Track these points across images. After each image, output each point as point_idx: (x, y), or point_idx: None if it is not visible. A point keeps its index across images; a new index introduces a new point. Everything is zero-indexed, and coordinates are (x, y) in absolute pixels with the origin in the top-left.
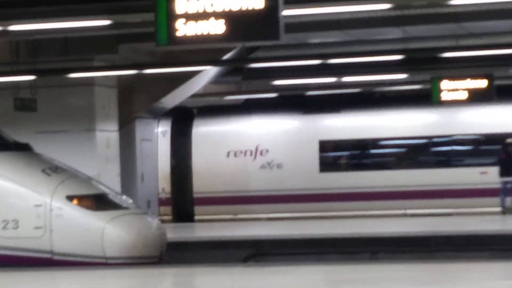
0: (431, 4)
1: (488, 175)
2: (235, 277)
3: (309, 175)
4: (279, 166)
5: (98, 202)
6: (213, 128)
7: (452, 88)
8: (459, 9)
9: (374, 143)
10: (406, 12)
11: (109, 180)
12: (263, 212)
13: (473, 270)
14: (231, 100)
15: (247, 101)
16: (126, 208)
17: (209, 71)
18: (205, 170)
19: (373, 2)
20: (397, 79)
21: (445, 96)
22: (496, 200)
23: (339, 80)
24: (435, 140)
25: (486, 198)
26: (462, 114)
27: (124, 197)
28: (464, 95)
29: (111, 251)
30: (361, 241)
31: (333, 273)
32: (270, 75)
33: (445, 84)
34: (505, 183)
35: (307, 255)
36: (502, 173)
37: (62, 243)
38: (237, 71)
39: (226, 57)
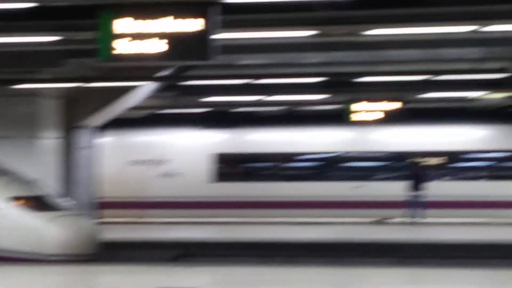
0: (351, 33)
1: (362, 189)
2: (163, 276)
3: (204, 184)
4: (178, 175)
5: (40, 203)
6: (120, 139)
7: (367, 109)
8: (376, 39)
9: (261, 157)
10: (329, 39)
11: (50, 183)
12: (164, 217)
13: (380, 274)
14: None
15: (152, 115)
16: (65, 209)
17: (147, 86)
18: (112, 177)
19: (299, 29)
20: (319, 100)
21: (360, 116)
22: (366, 211)
23: (266, 99)
24: (310, 156)
25: (358, 209)
26: (341, 133)
27: (63, 199)
28: (377, 116)
29: (50, 249)
30: (278, 245)
31: (252, 274)
32: (201, 92)
33: (360, 105)
34: (415, 196)
35: (230, 257)
36: (413, 188)
37: (4, 241)
38: (172, 87)
39: (163, 74)
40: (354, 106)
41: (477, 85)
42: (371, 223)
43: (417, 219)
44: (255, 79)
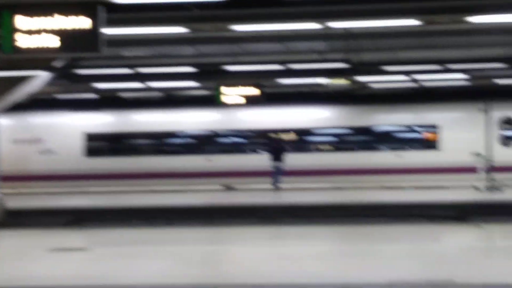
0: (218, 29)
1: (212, 162)
2: (58, 238)
3: (77, 159)
4: (54, 152)
5: None
6: (2, 121)
7: (232, 94)
8: (238, 34)
9: (124, 135)
10: (200, 34)
11: None
12: (42, 188)
13: (245, 232)
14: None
15: (32, 100)
16: None
17: (44, 75)
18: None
19: (175, 25)
20: (192, 86)
21: (226, 100)
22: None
23: (147, 85)
24: (170, 134)
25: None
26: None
27: None
28: (241, 100)
29: None
30: (158, 210)
31: (134, 234)
32: (92, 79)
33: (226, 90)
34: (276, 166)
35: (116, 221)
36: (273, 159)
37: None
38: (66, 75)
39: (58, 63)
40: (220, 91)
41: (323, 72)
42: (223, 189)
43: (277, 186)
44: (137, 68)
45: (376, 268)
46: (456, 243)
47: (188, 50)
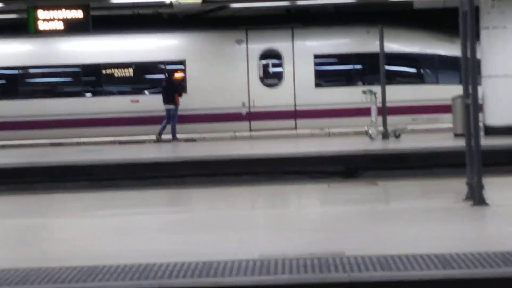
0: None
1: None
2: None
3: None
4: None
5: None
6: None
7: (49, 18)
8: None
9: None
10: None
11: None
12: None
13: (73, 199)
14: None
15: None
16: None
17: None
18: None
19: None
20: None
21: (42, 26)
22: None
23: None
24: None
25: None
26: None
27: None
28: (60, 26)
29: None
30: None
31: None
32: None
33: (41, 13)
34: (168, 110)
35: None
36: (165, 101)
37: None
38: None
39: None
40: (34, 15)
41: None
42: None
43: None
44: None
45: (242, 239)
46: None
47: None
